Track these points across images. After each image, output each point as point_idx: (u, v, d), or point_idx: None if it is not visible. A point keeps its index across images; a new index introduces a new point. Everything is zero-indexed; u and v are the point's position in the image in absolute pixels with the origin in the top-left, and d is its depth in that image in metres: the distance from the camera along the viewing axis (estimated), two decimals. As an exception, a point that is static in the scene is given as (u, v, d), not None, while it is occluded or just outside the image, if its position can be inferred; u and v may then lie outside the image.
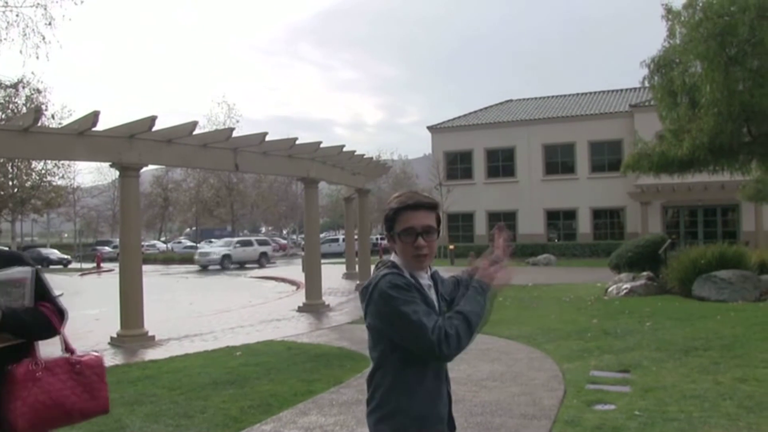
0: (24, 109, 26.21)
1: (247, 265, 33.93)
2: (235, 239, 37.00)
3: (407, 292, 1.99)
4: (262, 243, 36.86)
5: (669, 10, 11.85)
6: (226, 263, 32.81)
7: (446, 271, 2.56)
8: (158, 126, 9.78)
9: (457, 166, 34.87)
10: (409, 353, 2.01)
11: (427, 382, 2.05)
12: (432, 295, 2.12)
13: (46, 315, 2.30)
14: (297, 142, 12.44)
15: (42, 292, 2.34)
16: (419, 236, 2.03)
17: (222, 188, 41.14)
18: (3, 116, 26.22)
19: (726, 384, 5.89)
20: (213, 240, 43.49)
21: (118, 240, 12.44)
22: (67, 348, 2.39)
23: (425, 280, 2.12)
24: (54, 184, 34.43)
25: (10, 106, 27.88)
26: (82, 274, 32.24)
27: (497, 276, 2.04)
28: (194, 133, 10.47)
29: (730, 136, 11.18)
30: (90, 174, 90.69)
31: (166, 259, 42.06)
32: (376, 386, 2.09)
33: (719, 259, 12.66)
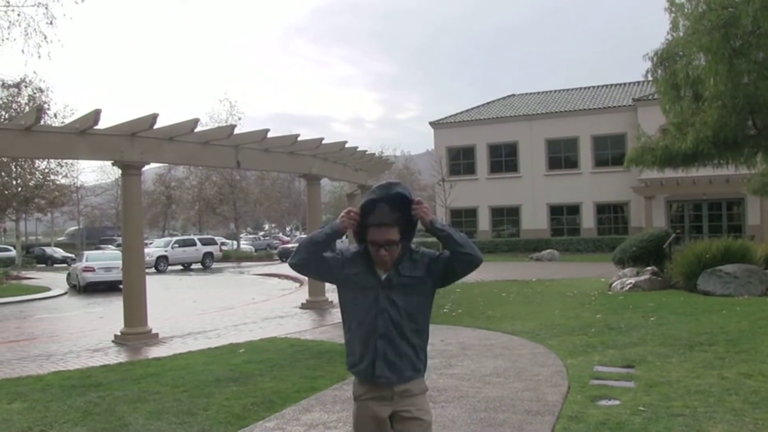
0: (26, 109, 26.25)
1: (193, 266, 32.72)
2: (174, 239, 34.70)
3: (341, 253, 2.75)
4: (206, 243, 34.63)
5: (672, 2, 11.76)
6: (162, 265, 30.68)
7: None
8: (160, 124, 9.75)
9: (460, 161, 34.78)
10: (343, 303, 2.76)
11: (352, 330, 2.70)
12: (379, 273, 2.65)
13: None
14: (298, 138, 12.40)
15: None
16: (381, 248, 2.59)
17: (224, 186, 41.06)
18: (6, 116, 26.26)
19: (731, 379, 5.85)
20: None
21: (120, 238, 12.63)
22: None
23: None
24: (57, 183, 34.50)
25: (13, 105, 27.93)
26: (86, 273, 32.27)
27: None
28: (196, 130, 10.43)
29: (734, 129, 11.10)
30: (93, 173, 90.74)
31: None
32: None
33: (724, 254, 12.58)
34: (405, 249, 2.67)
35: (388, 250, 2.60)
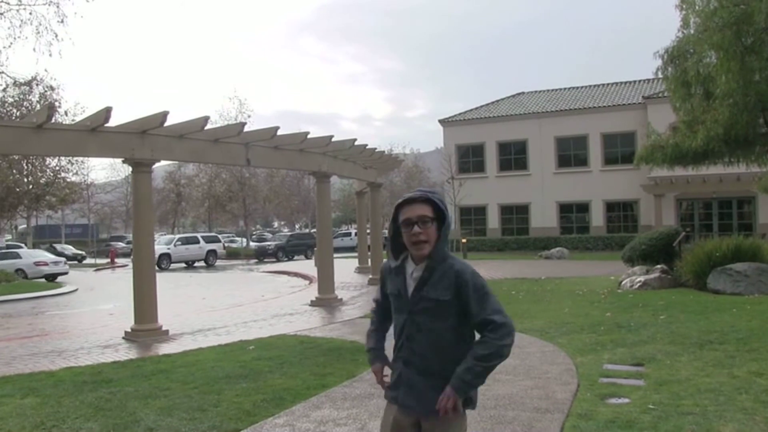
0: (38, 107, 26.45)
1: (196, 263, 32.95)
2: (177, 236, 34.49)
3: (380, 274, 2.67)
4: (210, 240, 34.43)
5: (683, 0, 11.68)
6: (164, 263, 30.38)
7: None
8: (170, 121, 9.81)
9: (469, 159, 34.73)
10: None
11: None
12: (409, 281, 2.43)
13: None
14: (308, 136, 12.42)
15: None
16: (415, 225, 2.35)
17: (234, 183, 41.22)
18: (17, 113, 26.47)
19: (742, 378, 5.82)
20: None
21: (131, 235, 12.92)
22: None
23: (413, 269, 2.43)
24: (68, 180, 34.72)
25: (24, 103, 28.12)
26: (96, 270, 32.57)
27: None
28: (206, 128, 10.48)
29: (745, 127, 11.03)
30: (103, 170, 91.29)
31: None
32: None
33: (734, 252, 12.51)
34: (434, 262, 2.38)
35: (423, 227, 2.35)
